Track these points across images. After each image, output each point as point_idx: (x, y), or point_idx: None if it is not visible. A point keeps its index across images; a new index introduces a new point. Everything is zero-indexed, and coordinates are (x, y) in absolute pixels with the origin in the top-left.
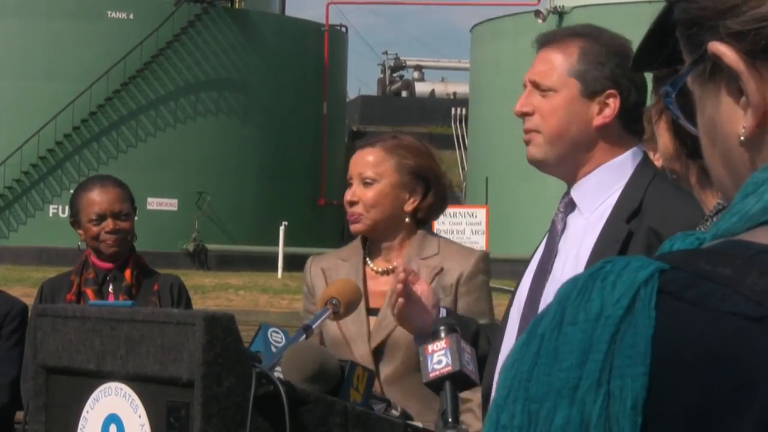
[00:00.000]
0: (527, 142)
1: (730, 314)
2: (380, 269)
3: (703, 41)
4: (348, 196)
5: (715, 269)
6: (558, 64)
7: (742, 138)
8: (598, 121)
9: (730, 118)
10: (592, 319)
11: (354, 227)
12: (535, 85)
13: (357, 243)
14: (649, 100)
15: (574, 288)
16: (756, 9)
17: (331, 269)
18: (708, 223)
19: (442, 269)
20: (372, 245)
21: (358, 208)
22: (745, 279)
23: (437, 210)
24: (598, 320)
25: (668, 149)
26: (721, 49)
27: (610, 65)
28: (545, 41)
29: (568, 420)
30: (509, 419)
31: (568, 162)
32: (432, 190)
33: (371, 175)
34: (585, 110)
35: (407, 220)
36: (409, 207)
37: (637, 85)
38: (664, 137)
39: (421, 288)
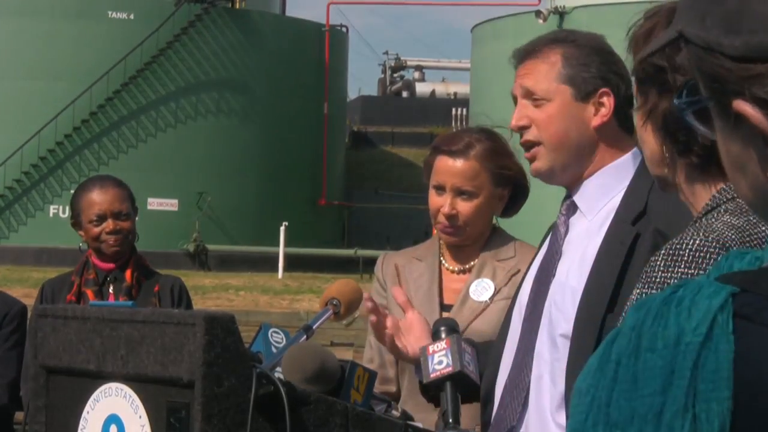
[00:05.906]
0: (530, 159)
1: None
2: (455, 268)
3: (726, 94)
4: (446, 208)
5: None
6: (545, 74)
7: None
8: (596, 121)
9: (756, 160)
10: (671, 345)
11: (449, 240)
12: (527, 97)
13: (433, 242)
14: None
15: (648, 314)
16: None
17: (405, 267)
18: (697, 224)
19: (518, 271)
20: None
21: (456, 221)
22: None
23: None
24: (677, 347)
25: (656, 154)
26: (747, 110)
27: (594, 64)
28: (524, 54)
29: None
30: None
31: (574, 168)
32: (521, 196)
33: (469, 189)
34: (581, 113)
35: (495, 222)
36: (498, 212)
37: (624, 77)
38: (650, 142)
39: (411, 318)
